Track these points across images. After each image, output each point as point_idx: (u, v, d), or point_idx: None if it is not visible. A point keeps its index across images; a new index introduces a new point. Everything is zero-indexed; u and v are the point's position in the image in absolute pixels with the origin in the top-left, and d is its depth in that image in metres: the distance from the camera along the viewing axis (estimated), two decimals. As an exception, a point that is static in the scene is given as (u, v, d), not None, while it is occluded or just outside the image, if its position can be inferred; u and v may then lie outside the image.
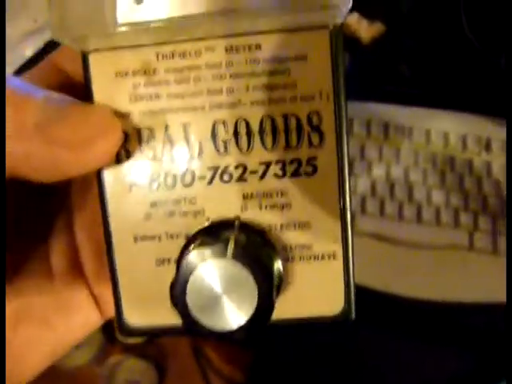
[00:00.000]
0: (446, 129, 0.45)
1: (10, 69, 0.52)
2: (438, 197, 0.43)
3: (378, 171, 0.44)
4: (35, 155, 0.13)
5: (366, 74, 0.41)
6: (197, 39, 0.14)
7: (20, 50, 0.52)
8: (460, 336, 0.41)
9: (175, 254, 0.15)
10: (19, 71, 0.52)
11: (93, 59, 0.14)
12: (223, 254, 0.13)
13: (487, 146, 0.45)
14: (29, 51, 0.52)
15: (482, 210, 0.43)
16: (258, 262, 0.14)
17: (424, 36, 0.50)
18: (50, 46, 0.53)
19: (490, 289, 0.41)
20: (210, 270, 0.13)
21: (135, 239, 0.15)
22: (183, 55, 0.14)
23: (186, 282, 0.13)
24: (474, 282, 0.42)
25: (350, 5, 0.13)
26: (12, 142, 0.13)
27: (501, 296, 0.41)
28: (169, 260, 0.15)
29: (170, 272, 0.15)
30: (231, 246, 0.13)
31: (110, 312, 0.17)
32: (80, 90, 0.15)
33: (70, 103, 0.14)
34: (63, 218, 0.18)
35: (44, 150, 0.13)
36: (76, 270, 0.17)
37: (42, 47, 0.52)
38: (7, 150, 0.13)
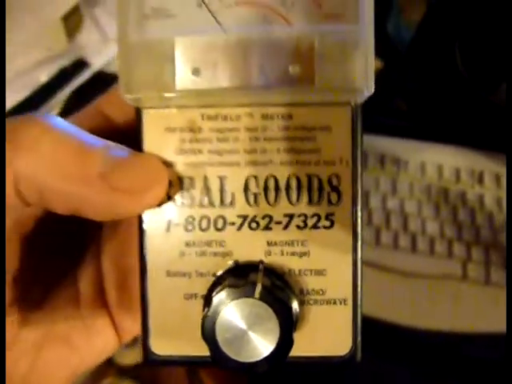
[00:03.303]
0: (440, 161, 0.45)
1: (25, 92, 0.52)
2: (432, 227, 0.43)
3: (375, 201, 0.44)
4: (97, 199, 0.14)
5: (365, 107, 0.42)
6: (238, 105, 0.15)
7: (35, 75, 0.52)
8: (453, 365, 0.41)
9: (203, 291, 0.16)
10: (34, 95, 0.52)
11: (146, 115, 0.16)
12: (251, 295, 0.14)
13: (480, 179, 0.45)
14: (43, 77, 0.52)
15: (475, 241, 0.42)
16: (281, 303, 0.14)
17: (420, 72, 0.51)
18: (64, 73, 0.54)
19: (482, 319, 0.41)
20: (239, 308, 0.14)
21: (168, 274, 0.16)
22: (225, 118, 0.15)
23: (216, 317, 0.14)
24: (467, 312, 0.41)
25: (373, 90, 0.14)
26: (79, 188, 0.14)
27: (493, 326, 0.40)
28: (196, 295, 0.16)
29: (196, 306, 0.16)
30: (259, 287, 0.14)
31: (126, 338, 0.18)
32: (121, 134, 0.17)
33: (127, 154, 0.15)
34: (93, 248, 0.18)
35: (105, 196, 0.14)
36: (100, 297, 0.18)
37: (57, 73, 0.53)
38: (73, 192, 0.14)
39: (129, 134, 0.17)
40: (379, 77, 0.53)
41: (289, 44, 0.14)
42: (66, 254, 0.18)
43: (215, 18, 0.14)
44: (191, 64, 0.14)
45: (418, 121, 0.48)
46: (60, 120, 0.14)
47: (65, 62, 0.53)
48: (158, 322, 0.16)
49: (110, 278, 0.18)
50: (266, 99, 0.15)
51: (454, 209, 0.43)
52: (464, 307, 0.41)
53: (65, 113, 0.53)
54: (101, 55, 0.54)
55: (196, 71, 0.14)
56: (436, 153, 0.46)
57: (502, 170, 0.45)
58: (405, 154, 0.45)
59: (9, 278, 0.15)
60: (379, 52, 0.52)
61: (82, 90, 0.53)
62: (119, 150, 0.15)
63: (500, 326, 0.40)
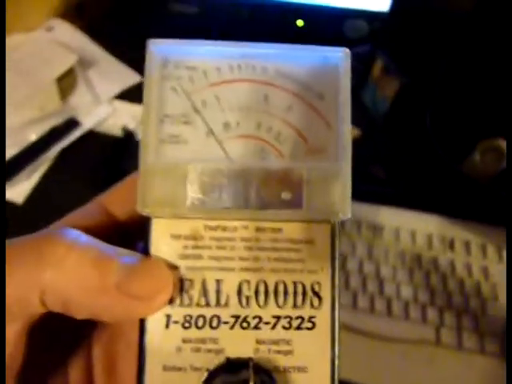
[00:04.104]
0: (413, 228, 0.47)
1: (14, 150, 0.53)
2: (406, 292, 0.44)
3: (352, 265, 0.45)
4: (114, 307, 0.15)
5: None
6: (236, 219, 0.17)
7: (25, 134, 0.54)
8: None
9: None
10: (23, 153, 0.53)
11: (155, 223, 0.17)
12: None
13: (451, 246, 0.47)
14: (34, 135, 0.54)
15: (447, 307, 0.44)
16: None
17: (395, 142, 0.54)
18: (55, 131, 0.55)
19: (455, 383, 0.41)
20: None
21: (165, 368, 0.17)
22: (224, 229, 0.17)
23: None
24: (441, 377, 0.42)
25: (349, 214, 0.17)
26: (98, 298, 0.15)
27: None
28: None
29: None
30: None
31: None
32: (123, 231, 0.18)
33: (137, 260, 0.16)
34: (84, 337, 0.19)
35: (121, 303, 0.15)
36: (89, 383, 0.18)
37: (48, 132, 0.54)
38: (93, 302, 0.15)
39: (130, 231, 0.18)
40: (357, 145, 0.55)
41: (282, 174, 0.17)
42: (59, 345, 0.18)
43: (222, 148, 0.17)
44: (200, 187, 0.17)
45: (394, 188, 0.51)
46: (80, 234, 0.16)
47: (56, 121, 0.54)
48: None
49: (99, 364, 0.18)
50: (260, 217, 0.17)
51: (426, 274, 0.45)
52: (438, 372, 0.42)
53: (54, 169, 0.54)
54: (92, 115, 0.55)
55: (204, 193, 0.17)
56: (410, 219, 0.48)
57: (471, 237, 0.47)
58: (380, 220, 0.47)
59: (13, 373, 0.16)
60: (357, 121, 0.55)
61: (72, 149, 0.54)
62: (129, 258, 0.16)
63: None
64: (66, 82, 0.56)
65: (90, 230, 0.17)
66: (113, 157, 0.53)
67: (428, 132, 0.52)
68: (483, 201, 0.49)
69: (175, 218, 0.17)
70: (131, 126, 0.55)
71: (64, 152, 0.54)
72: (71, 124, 0.55)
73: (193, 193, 0.16)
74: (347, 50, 0.18)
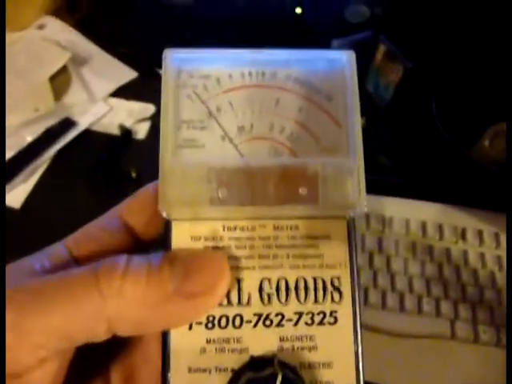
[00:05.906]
0: (423, 218, 0.45)
1: (10, 152, 0.51)
2: (418, 286, 0.42)
3: (362, 260, 0.43)
4: (181, 311, 0.16)
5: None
6: (253, 218, 0.17)
7: (21, 135, 0.51)
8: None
9: None
10: (20, 154, 0.51)
11: (175, 226, 0.17)
12: None
13: (463, 236, 0.44)
14: (29, 136, 0.51)
15: (461, 299, 0.42)
16: None
17: (401, 130, 0.51)
18: (51, 132, 0.53)
19: (472, 378, 0.39)
20: None
21: (189, 370, 0.17)
22: (242, 229, 0.17)
23: None
24: (457, 372, 0.40)
25: (365, 208, 0.16)
26: (162, 311, 0.15)
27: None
28: None
29: None
30: (279, 378, 0.15)
31: None
32: (137, 239, 0.18)
33: (190, 259, 0.16)
34: (102, 356, 0.19)
35: (187, 305, 0.15)
36: None
37: (43, 133, 0.52)
38: (158, 316, 0.15)
39: (146, 242, 0.18)
40: (362, 134, 0.53)
41: (297, 170, 0.17)
42: (79, 367, 0.18)
43: (237, 150, 0.17)
44: (219, 186, 0.17)
45: (401, 177, 0.48)
46: (127, 257, 0.16)
47: (52, 121, 0.52)
48: None
49: (117, 380, 0.18)
50: (278, 213, 0.17)
51: (439, 266, 0.43)
52: (454, 366, 0.40)
53: (51, 171, 0.51)
54: (87, 114, 0.53)
55: (223, 191, 0.17)
56: (419, 210, 0.46)
57: (483, 226, 0.45)
58: (389, 212, 0.45)
59: None
60: (360, 110, 0.53)
61: (69, 149, 0.52)
62: (181, 257, 0.16)
63: (490, 384, 0.39)
64: (60, 81, 0.54)
65: (108, 243, 0.17)
66: (111, 156, 0.51)
67: (434, 118, 0.49)
68: (494, 187, 0.46)
69: (194, 220, 0.17)
70: (128, 123, 0.53)
71: (60, 153, 0.52)
72: (67, 124, 0.52)
73: (212, 192, 0.17)
74: (352, 52, 0.18)
